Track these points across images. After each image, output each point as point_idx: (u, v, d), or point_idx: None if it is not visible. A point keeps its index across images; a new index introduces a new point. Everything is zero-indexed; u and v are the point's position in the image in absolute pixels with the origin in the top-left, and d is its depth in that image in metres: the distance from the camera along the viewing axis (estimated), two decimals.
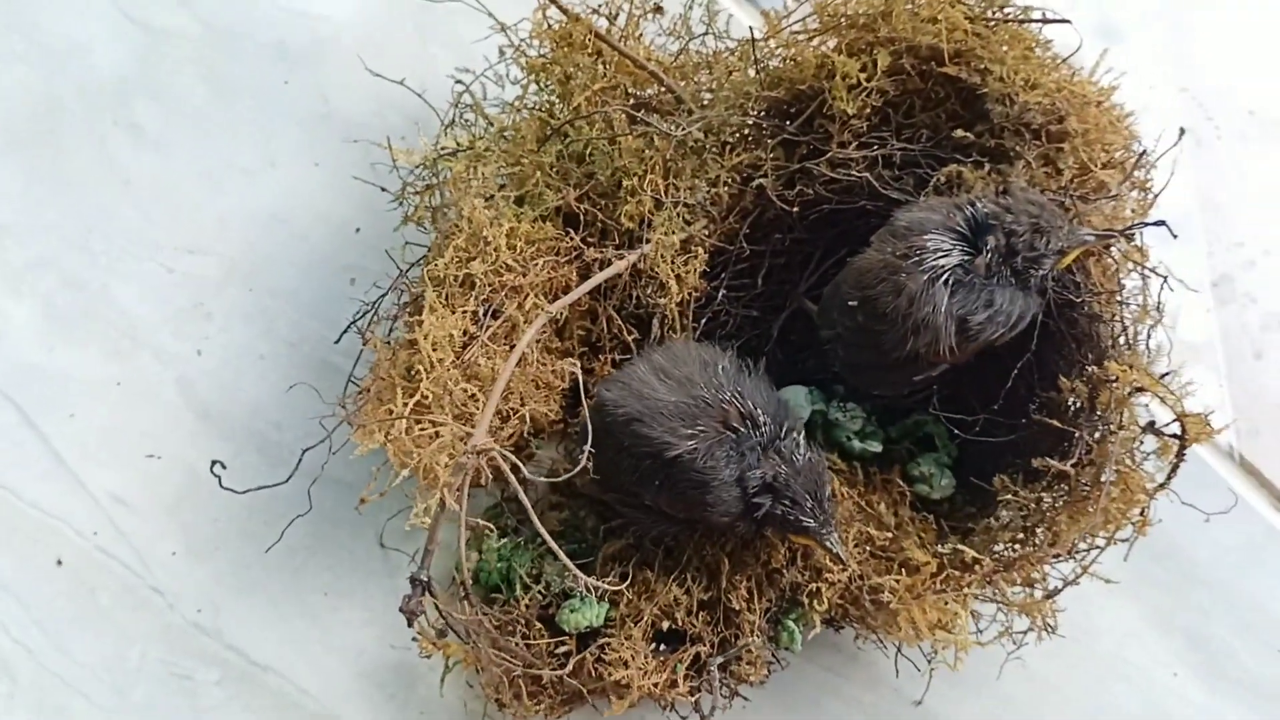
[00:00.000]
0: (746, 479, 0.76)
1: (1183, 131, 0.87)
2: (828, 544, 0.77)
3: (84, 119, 1.00)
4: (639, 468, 0.78)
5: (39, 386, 0.93)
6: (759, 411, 0.77)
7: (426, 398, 0.78)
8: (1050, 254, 0.76)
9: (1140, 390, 0.79)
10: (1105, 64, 0.86)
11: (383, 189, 0.91)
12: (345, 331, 0.86)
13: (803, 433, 0.79)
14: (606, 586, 0.80)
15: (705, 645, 0.82)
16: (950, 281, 0.76)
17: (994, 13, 0.84)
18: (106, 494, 0.90)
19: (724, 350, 0.81)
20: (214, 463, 0.75)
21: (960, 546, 0.81)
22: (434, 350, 0.80)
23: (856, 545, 0.84)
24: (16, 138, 1.00)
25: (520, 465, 0.70)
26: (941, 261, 0.77)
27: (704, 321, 0.91)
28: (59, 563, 0.88)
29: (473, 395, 0.81)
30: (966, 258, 0.77)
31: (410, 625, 0.70)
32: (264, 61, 1.02)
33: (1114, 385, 0.79)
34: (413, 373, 0.80)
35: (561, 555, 0.75)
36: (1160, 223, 0.79)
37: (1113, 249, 0.82)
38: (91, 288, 0.96)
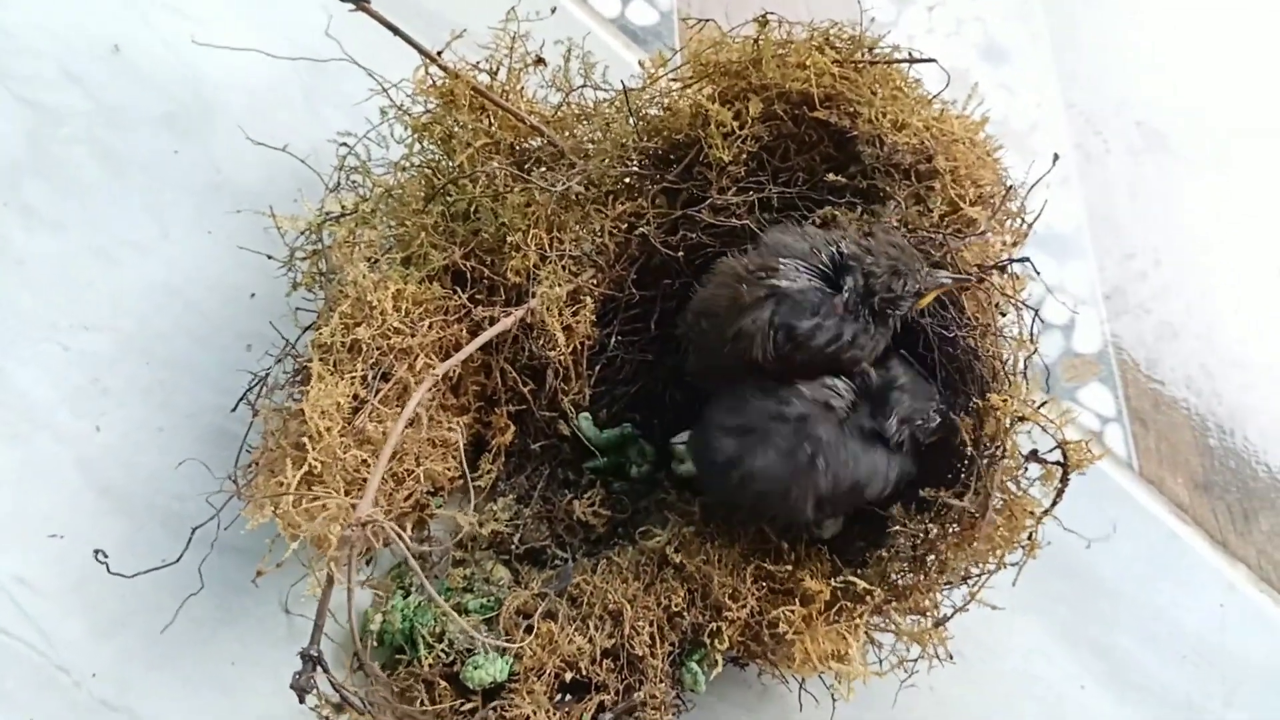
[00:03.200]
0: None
1: (1057, 157, 0.89)
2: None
3: None
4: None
5: None
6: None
7: (315, 468, 0.79)
8: (908, 295, 0.78)
9: (1022, 419, 0.80)
10: (978, 97, 0.88)
11: (269, 256, 0.91)
12: (240, 402, 0.86)
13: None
14: (506, 645, 0.81)
15: (609, 693, 0.83)
16: (779, 300, 0.78)
17: (861, 55, 0.86)
18: (10, 576, 0.90)
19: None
20: (96, 551, 0.75)
21: (851, 578, 0.82)
22: (321, 419, 0.80)
23: (755, 581, 0.85)
24: None
25: (404, 535, 0.71)
26: (782, 284, 0.79)
27: (599, 368, 0.93)
28: None
29: (364, 461, 0.82)
30: (815, 290, 0.79)
31: (302, 701, 0.70)
32: (154, 133, 1.03)
33: (996, 416, 0.80)
34: (302, 442, 0.80)
35: (457, 618, 0.76)
36: (1024, 259, 0.81)
37: (988, 282, 0.83)
38: None
